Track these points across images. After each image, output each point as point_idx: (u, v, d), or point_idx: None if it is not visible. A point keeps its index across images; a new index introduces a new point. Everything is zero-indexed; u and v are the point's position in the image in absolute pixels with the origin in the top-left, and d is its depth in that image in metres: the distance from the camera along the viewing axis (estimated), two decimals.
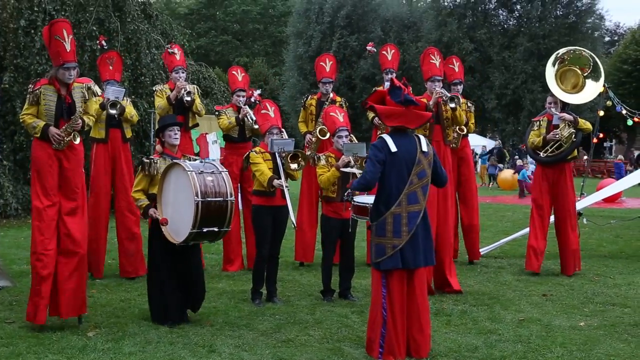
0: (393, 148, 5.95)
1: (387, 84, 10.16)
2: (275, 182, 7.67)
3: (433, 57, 8.82)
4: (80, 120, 6.86)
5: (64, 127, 6.77)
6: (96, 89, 7.19)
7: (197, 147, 16.66)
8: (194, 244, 7.02)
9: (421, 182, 6.00)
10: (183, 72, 9.87)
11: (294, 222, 7.93)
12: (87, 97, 7.02)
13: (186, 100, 9.54)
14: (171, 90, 9.67)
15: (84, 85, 7.04)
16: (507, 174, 28.46)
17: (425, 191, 6.03)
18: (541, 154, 9.79)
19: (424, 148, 6.05)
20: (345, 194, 6.76)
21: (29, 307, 6.85)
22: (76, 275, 6.94)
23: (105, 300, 8.02)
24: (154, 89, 10.14)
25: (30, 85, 7.02)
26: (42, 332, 6.66)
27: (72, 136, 6.79)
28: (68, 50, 6.76)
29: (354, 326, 7.02)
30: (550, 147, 9.72)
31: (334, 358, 6.01)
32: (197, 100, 9.76)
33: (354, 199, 6.69)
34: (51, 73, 6.96)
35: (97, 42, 11.17)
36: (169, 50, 10.06)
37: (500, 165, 31.35)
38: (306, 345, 6.36)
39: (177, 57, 9.98)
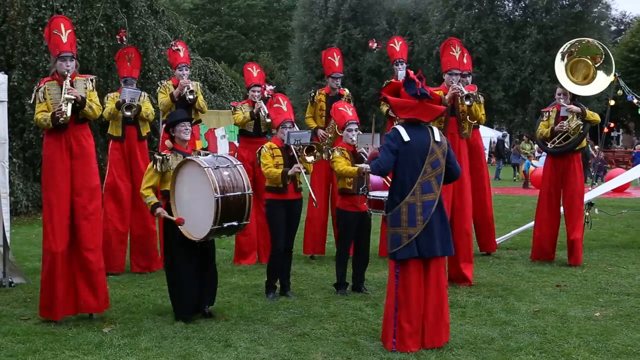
0: (406, 138, 5.97)
1: (400, 75, 10.12)
2: (290, 171, 7.66)
3: (453, 50, 8.61)
4: (72, 88, 6.82)
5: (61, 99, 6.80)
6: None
7: (205, 142, 16.68)
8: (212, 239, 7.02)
9: (435, 171, 6.00)
10: (187, 70, 9.95)
11: (315, 200, 7.99)
12: (90, 89, 7.05)
13: (189, 99, 9.62)
14: (174, 87, 9.72)
15: (87, 78, 7.15)
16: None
17: (440, 180, 6.04)
18: (549, 144, 9.89)
19: (437, 138, 6.05)
20: (361, 188, 6.79)
21: (41, 301, 6.92)
22: (91, 272, 6.99)
23: (119, 296, 8.03)
24: (158, 84, 10.17)
25: (34, 87, 7.13)
26: (57, 329, 6.69)
27: (68, 106, 6.73)
28: (65, 42, 6.91)
29: (369, 319, 7.02)
30: (558, 138, 9.80)
31: (350, 351, 6.01)
32: (200, 97, 9.85)
33: (370, 193, 6.70)
34: (52, 70, 7.09)
35: (117, 36, 11.16)
36: (173, 48, 10.10)
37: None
38: (322, 339, 6.36)
39: (181, 54, 10.03)
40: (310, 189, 7.76)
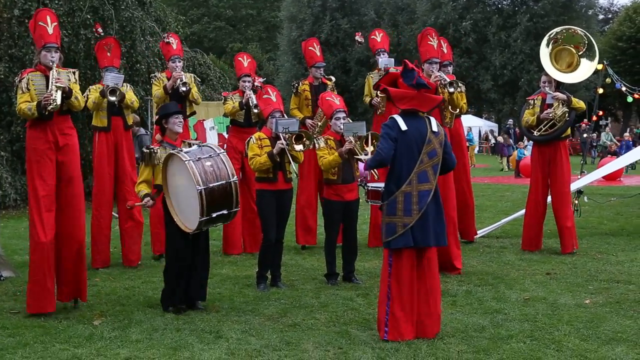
0: (403, 127, 5.97)
1: (380, 62, 10.17)
2: (275, 149, 7.65)
3: (431, 39, 8.73)
4: (59, 78, 6.81)
5: (49, 88, 6.77)
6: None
7: (194, 134, 16.63)
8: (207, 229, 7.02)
9: (432, 161, 6.01)
10: (180, 61, 9.92)
11: (296, 172, 7.98)
12: (73, 81, 7.04)
13: (182, 90, 9.59)
14: (168, 79, 9.69)
15: (70, 70, 7.14)
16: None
17: (436, 170, 6.05)
18: (535, 132, 9.88)
19: (434, 128, 6.06)
20: (360, 180, 6.80)
21: (29, 299, 6.87)
22: (75, 262, 7.00)
23: (109, 289, 8.00)
24: (151, 76, 10.13)
25: (16, 78, 7.10)
26: (47, 322, 6.66)
27: (58, 93, 6.71)
28: (50, 33, 6.90)
29: (360, 309, 7.02)
30: (544, 126, 9.80)
31: (342, 341, 6.00)
32: (194, 89, 9.82)
33: (368, 185, 6.72)
34: (35, 60, 7.07)
35: (94, 29, 11.11)
36: (165, 40, 10.06)
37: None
38: (313, 329, 6.36)
39: (174, 46, 10.00)
40: (293, 164, 7.71)
